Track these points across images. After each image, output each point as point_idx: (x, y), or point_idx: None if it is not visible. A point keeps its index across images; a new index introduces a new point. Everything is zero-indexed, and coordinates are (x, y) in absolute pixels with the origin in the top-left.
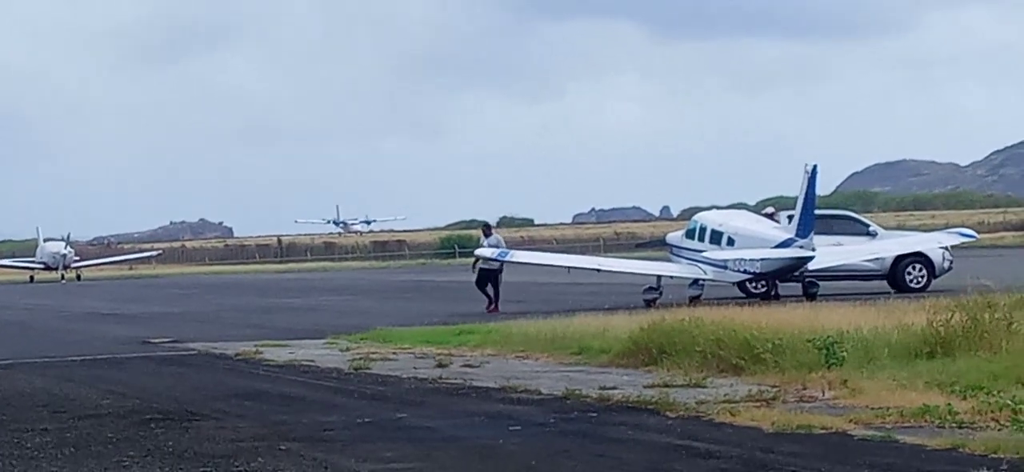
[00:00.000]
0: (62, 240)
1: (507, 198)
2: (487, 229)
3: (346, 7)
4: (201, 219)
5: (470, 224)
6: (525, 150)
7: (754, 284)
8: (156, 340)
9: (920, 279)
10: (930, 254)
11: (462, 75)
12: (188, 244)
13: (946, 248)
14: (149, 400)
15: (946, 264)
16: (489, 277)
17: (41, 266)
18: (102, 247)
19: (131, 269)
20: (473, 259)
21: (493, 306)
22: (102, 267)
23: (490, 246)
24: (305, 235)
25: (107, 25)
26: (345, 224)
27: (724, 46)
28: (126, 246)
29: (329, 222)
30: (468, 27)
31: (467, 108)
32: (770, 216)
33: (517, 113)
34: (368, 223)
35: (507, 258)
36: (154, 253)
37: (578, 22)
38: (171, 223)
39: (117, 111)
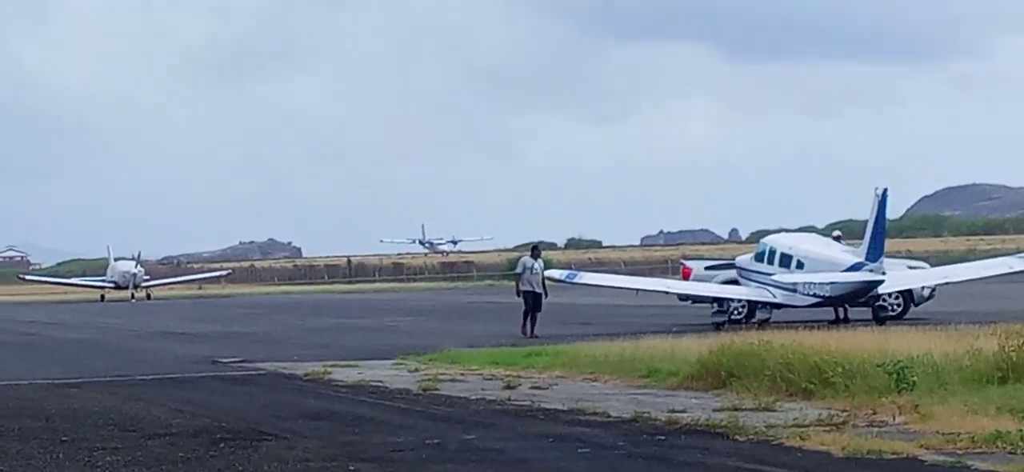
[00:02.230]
0: (132, 259)
1: (575, 219)
2: (536, 251)
3: (415, 26)
4: (270, 239)
5: (538, 245)
6: (594, 171)
7: (892, 308)
8: (225, 359)
9: (896, 306)
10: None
11: (532, 95)
12: (257, 264)
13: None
14: (218, 419)
15: (926, 292)
16: (533, 300)
17: (112, 285)
18: (172, 266)
19: (200, 289)
20: (515, 281)
21: (530, 331)
22: (172, 286)
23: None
24: (382, 255)
25: (179, 45)
26: (431, 244)
27: (794, 68)
28: (195, 266)
29: (414, 241)
30: (538, 47)
31: (536, 128)
32: (837, 239)
33: (587, 134)
34: (454, 243)
35: (576, 280)
36: (223, 273)
37: (650, 44)
38: (240, 243)
39: (187, 131)
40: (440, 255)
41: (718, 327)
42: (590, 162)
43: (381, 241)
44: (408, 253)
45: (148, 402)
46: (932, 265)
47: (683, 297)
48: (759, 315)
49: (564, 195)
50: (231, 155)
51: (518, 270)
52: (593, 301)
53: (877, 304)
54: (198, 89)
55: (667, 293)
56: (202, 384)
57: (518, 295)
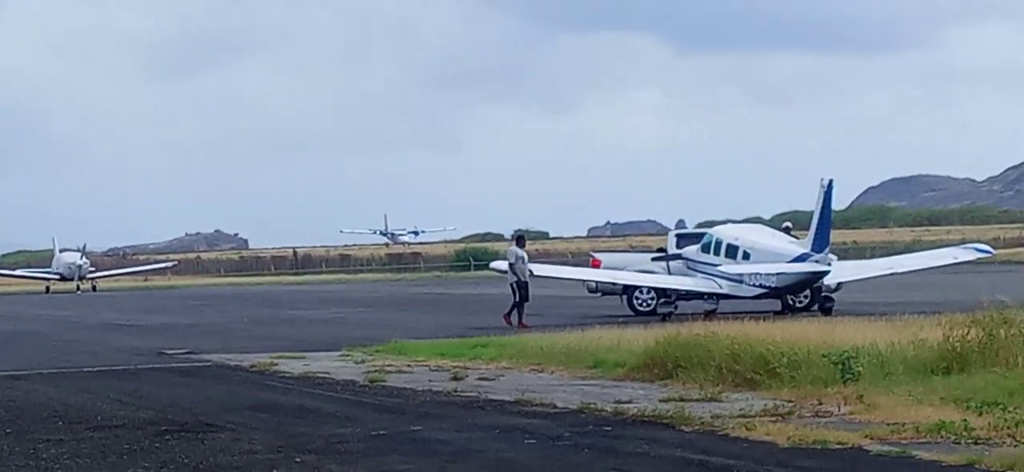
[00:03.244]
0: (78, 251)
1: (523, 211)
2: (521, 240)
3: (365, 19)
4: (216, 230)
5: (485, 237)
6: (542, 163)
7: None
8: (171, 351)
9: (648, 303)
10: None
11: (481, 87)
12: (203, 255)
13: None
14: (164, 411)
15: (833, 285)
16: (524, 290)
17: (57, 276)
18: (117, 258)
19: (146, 280)
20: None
21: (519, 321)
22: (117, 278)
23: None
24: (329, 246)
25: (125, 35)
26: (393, 235)
27: (742, 60)
28: (141, 257)
29: (376, 232)
30: (488, 39)
31: (485, 120)
32: (787, 230)
33: (535, 126)
34: (416, 234)
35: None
36: (169, 264)
37: (599, 35)
38: (186, 235)
39: (133, 122)
40: (401, 246)
41: (664, 318)
42: (538, 153)
43: (341, 232)
44: (367, 244)
45: (93, 394)
46: (878, 256)
47: (591, 289)
48: (706, 306)
49: (512, 187)
50: (178, 147)
51: (511, 260)
52: (540, 292)
53: (822, 294)
54: (145, 80)
55: (614, 284)
56: (148, 376)
57: (514, 286)
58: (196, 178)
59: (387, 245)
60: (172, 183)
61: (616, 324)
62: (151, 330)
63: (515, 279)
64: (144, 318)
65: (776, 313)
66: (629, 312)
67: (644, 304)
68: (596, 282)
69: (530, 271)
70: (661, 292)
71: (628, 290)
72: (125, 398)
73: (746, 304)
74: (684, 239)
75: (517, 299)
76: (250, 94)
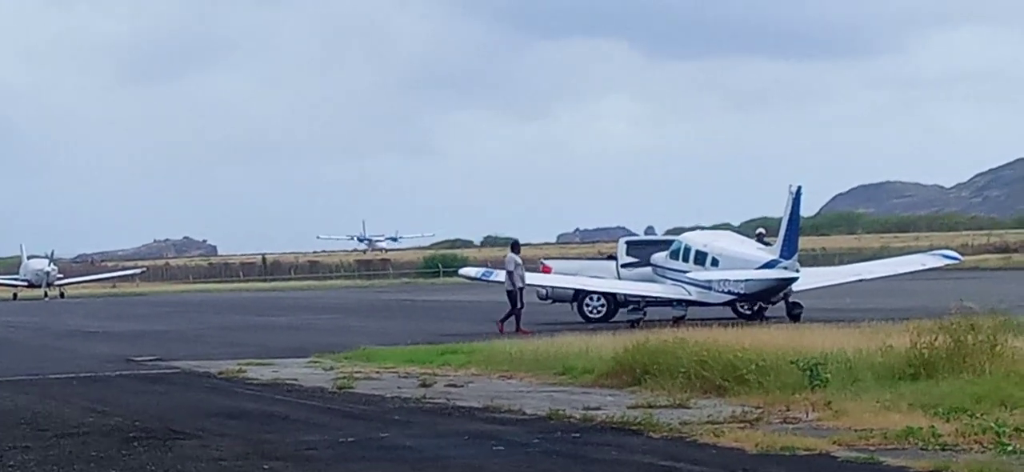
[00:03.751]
0: (46, 257)
1: (493, 217)
2: (517, 247)
3: (337, 25)
4: (185, 237)
5: (454, 244)
6: (513, 169)
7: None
8: (139, 358)
9: (599, 309)
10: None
11: (453, 93)
12: (172, 262)
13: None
14: (132, 418)
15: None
16: (520, 297)
17: (24, 283)
18: (86, 265)
19: (114, 287)
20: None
21: (516, 327)
22: (86, 285)
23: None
24: (298, 253)
25: (93, 41)
26: (370, 240)
27: (712, 66)
28: (110, 264)
29: (354, 239)
30: (462, 46)
31: (457, 126)
32: (760, 237)
33: (506, 132)
34: (395, 240)
35: (491, 278)
36: (138, 271)
37: (571, 41)
38: (155, 241)
39: (102, 128)
40: (379, 252)
41: (633, 324)
42: (509, 160)
43: (318, 237)
44: (349, 249)
45: (61, 401)
46: (847, 263)
47: (542, 296)
48: (675, 312)
49: (482, 193)
50: (147, 153)
51: (509, 268)
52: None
53: (791, 301)
54: (114, 86)
55: (584, 291)
56: (116, 383)
57: (516, 293)
58: (165, 184)
59: (365, 251)
60: (141, 189)
61: (585, 331)
62: (119, 337)
63: (512, 286)
64: (112, 325)
65: (747, 319)
66: (635, 317)
67: (594, 311)
68: (546, 289)
69: (522, 277)
70: (612, 299)
71: (578, 297)
72: (93, 405)
73: (713, 310)
74: (634, 246)
75: (519, 306)
76: (219, 100)
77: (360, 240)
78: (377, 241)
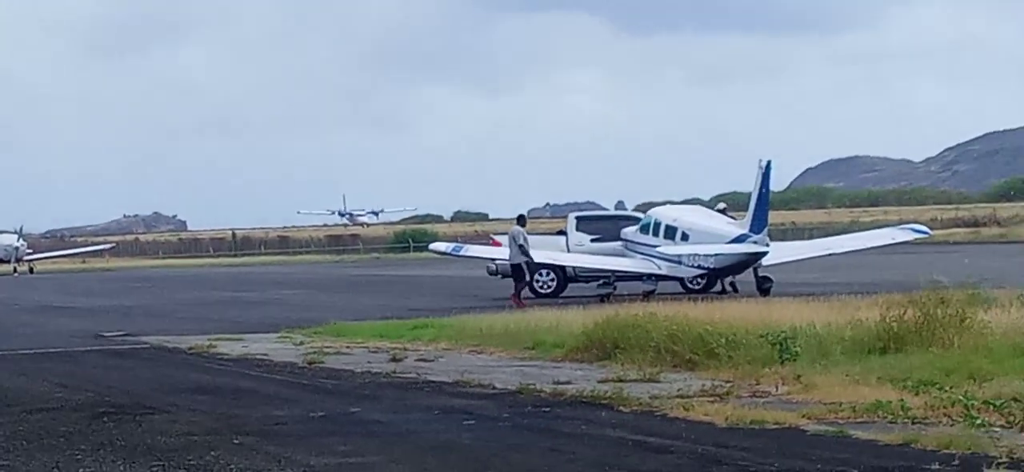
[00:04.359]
0: (15, 232)
1: (463, 192)
2: (523, 220)
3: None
4: (155, 212)
5: (425, 218)
6: (482, 144)
7: (693, 281)
8: (109, 334)
9: (549, 285)
10: (563, 262)
11: (422, 68)
12: (141, 237)
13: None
14: (102, 394)
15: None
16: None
17: None
18: (55, 240)
19: (84, 262)
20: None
21: (515, 299)
22: (55, 260)
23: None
24: (267, 228)
25: (62, 16)
26: (351, 215)
27: (683, 40)
28: (79, 239)
29: (334, 213)
30: (429, 20)
31: (426, 101)
32: (722, 212)
33: (476, 107)
34: (376, 214)
35: (462, 253)
36: (107, 246)
37: (540, 15)
38: (124, 217)
39: (71, 103)
40: (361, 227)
41: (603, 299)
42: (479, 134)
43: (298, 213)
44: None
45: (30, 376)
46: (816, 237)
47: (491, 271)
48: (644, 286)
49: (453, 167)
50: (116, 128)
51: (520, 241)
52: (479, 274)
53: (761, 275)
54: (84, 61)
55: (555, 265)
56: (85, 358)
57: (524, 267)
58: (134, 160)
59: (346, 226)
60: (110, 165)
61: (555, 305)
62: (89, 312)
63: (524, 259)
64: (82, 300)
65: (717, 294)
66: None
67: (544, 286)
68: (496, 264)
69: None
70: (562, 273)
71: (528, 272)
72: (63, 380)
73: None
74: (584, 221)
75: (525, 278)
76: (189, 75)
77: (341, 214)
78: (359, 215)
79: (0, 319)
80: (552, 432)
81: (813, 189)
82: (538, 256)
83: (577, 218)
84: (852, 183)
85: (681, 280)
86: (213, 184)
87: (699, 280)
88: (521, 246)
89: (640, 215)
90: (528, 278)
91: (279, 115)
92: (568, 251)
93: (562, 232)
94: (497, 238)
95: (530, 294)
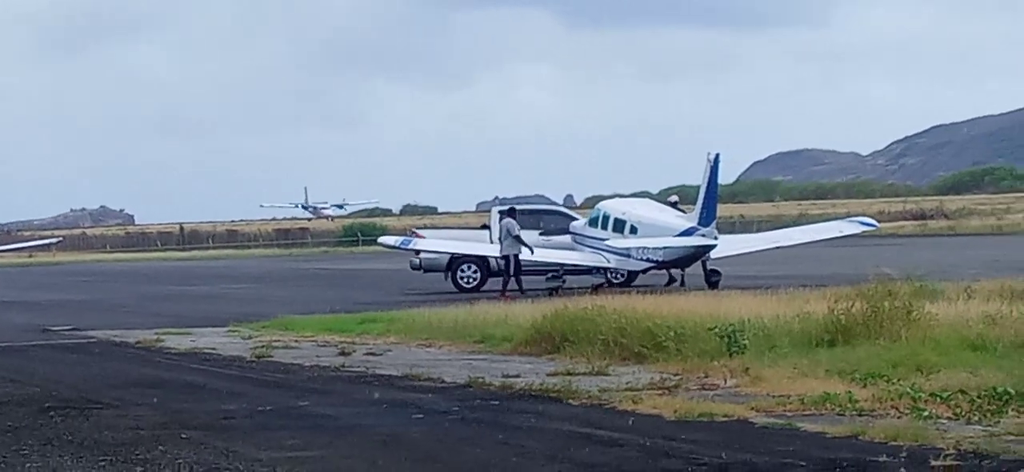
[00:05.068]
0: None
1: (413, 186)
2: (512, 212)
3: None
4: (102, 206)
5: (373, 212)
6: (432, 138)
7: (613, 275)
8: (56, 328)
9: (473, 279)
10: (487, 254)
11: (373, 64)
12: (89, 231)
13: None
14: (49, 388)
15: (498, 266)
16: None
17: None
18: (1, 234)
19: (31, 257)
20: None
21: (502, 293)
22: (1, 254)
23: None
24: (216, 222)
25: (11, 12)
26: (315, 208)
27: (633, 35)
28: (26, 233)
29: (297, 206)
30: (381, 16)
31: (377, 97)
32: (674, 204)
33: (427, 102)
34: (341, 207)
35: (409, 246)
36: (54, 240)
37: (491, 11)
38: (71, 211)
39: (18, 97)
40: (326, 220)
41: (552, 292)
42: (429, 128)
43: (261, 206)
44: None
45: None
46: (765, 230)
47: (415, 266)
48: (593, 280)
49: (403, 162)
50: (64, 123)
51: (515, 233)
52: (390, 267)
53: (709, 268)
54: (32, 56)
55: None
56: (32, 353)
57: (510, 259)
58: (81, 154)
59: (310, 219)
60: (57, 159)
61: (504, 299)
62: (36, 307)
63: (517, 250)
64: (29, 294)
65: (663, 287)
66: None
67: (468, 281)
68: (419, 259)
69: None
70: (486, 267)
71: (452, 266)
72: (9, 375)
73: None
74: (507, 215)
75: (512, 270)
76: (138, 70)
77: (304, 208)
78: (323, 208)
79: None
80: (501, 425)
81: (761, 182)
82: (463, 249)
83: (500, 212)
84: (800, 176)
85: (605, 272)
86: (162, 179)
87: (621, 275)
88: (517, 237)
89: (566, 209)
90: (516, 270)
91: (233, 112)
92: (491, 243)
93: (486, 226)
94: (421, 232)
95: (453, 287)
